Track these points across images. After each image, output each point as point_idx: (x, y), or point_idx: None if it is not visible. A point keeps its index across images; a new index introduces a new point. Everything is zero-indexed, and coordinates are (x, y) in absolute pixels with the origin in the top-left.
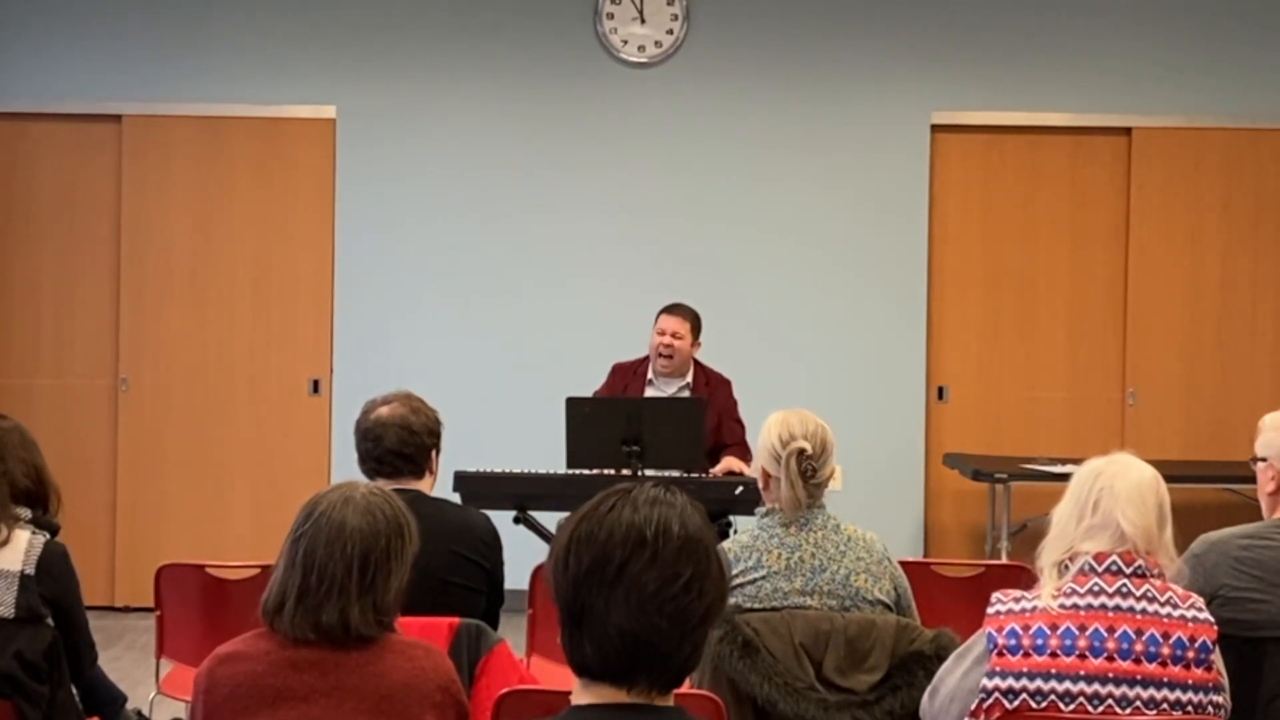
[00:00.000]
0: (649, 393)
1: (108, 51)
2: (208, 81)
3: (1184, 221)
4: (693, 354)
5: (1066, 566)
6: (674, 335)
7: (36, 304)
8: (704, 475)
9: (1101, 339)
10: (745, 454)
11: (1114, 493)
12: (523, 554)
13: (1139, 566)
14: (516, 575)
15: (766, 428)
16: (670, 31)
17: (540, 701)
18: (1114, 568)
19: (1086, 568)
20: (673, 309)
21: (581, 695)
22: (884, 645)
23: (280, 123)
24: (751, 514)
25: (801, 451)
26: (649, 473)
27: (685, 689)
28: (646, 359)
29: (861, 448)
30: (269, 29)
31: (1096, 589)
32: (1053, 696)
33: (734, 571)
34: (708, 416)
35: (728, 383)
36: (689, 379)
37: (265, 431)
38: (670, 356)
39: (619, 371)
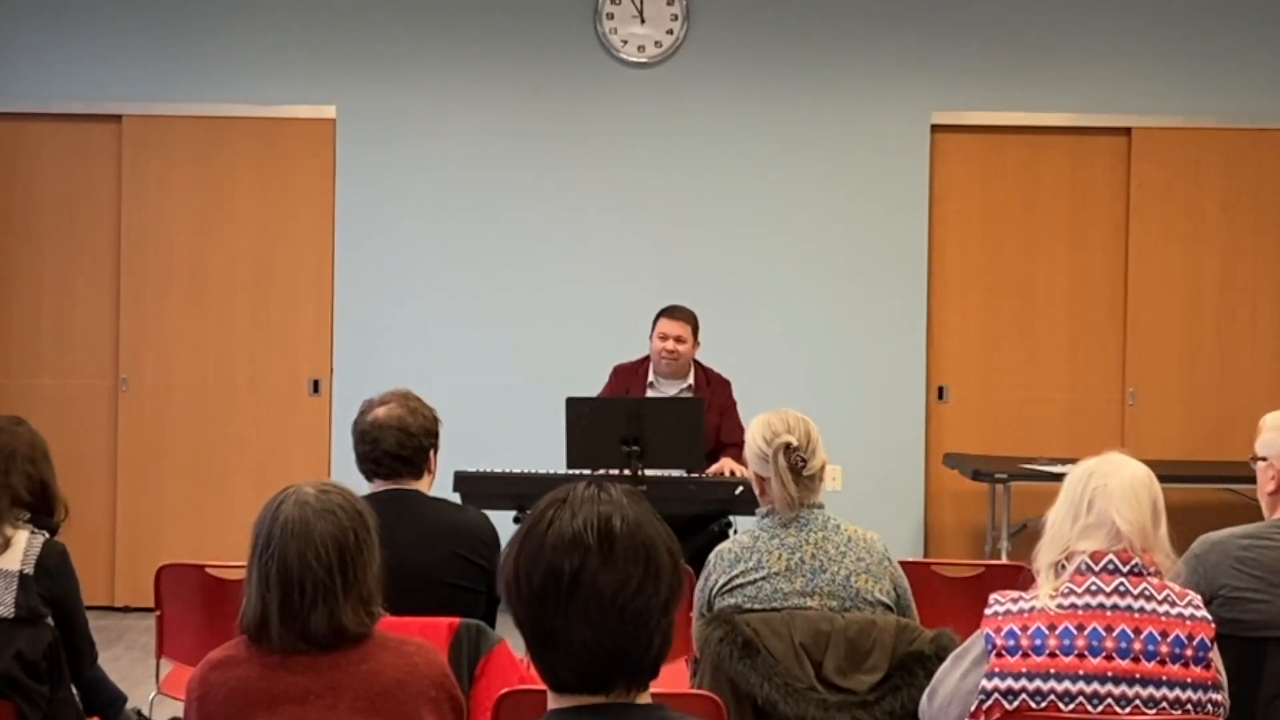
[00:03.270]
0: (650, 394)
1: (108, 51)
2: (208, 81)
3: (1184, 221)
4: (693, 355)
5: (1063, 566)
6: (677, 340)
7: (36, 304)
8: (703, 475)
9: (1101, 339)
10: (738, 454)
11: (1108, 491)
12: None
13: (1135, 565)
14: None
15: (750, 433)
16: (670, 31)
17: (540, 701)
18: (1110, 566)
19: (1083, 567)
20: (673, 312)
21: (558, 702)
22: (884, 645)
23: (280, 123)
24: (751, 514)
25: (788, 445)
26: (649, 473)
27: (685, 689)
28: (647, 360)
29: (861, 448)
30: (269, 29)
31: (1094, 588)
32: (1052, 696)
33: (735, 572)
34: (709, 416)
35: (727, 383)
36: (690, 380)
37: (265, 431)
38: (675, 360)
39: (620, 373)
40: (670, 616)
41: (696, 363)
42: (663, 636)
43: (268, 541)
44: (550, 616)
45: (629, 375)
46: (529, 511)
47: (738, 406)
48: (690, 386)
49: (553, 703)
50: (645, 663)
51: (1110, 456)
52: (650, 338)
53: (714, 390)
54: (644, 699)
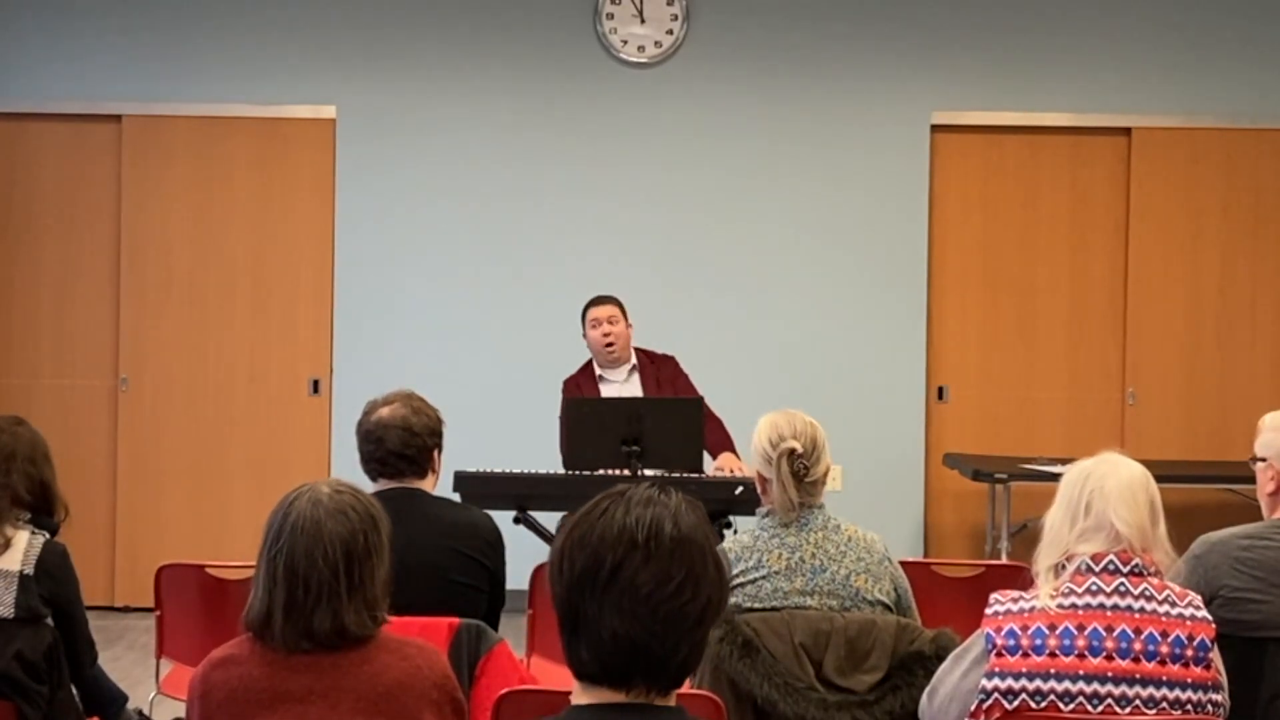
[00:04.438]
0: (603, 389)
1: (108, 51)
2: (208, 81)
3: (1184, 221)
4: (629, 336)
5: (1063, 567)
6: (610, 321)
7: (36, 304)
8: (703, 475)
9: (1101, 339)
10: (723, 431)
11: (1105, 493)
12: (523, 554)
13: (1136, 565)
14: (516, 575)
15: (757, 431)
16: (670, 31)
17: (540, 701)
18: (1111, 567)
19: (1084, 567)
20: (598, 301)
21: (581, 696)
22: (884, 645)
23: (280, 123)
24: (752, 514)
25: (792, 452)
26: (648, 473)
27: (685, 689)
28: (589, 363)
29: (861, 448)
30: (269, 29)
31: (1094, 588)
32: (1052, 696)
33: (735, 571)
34: (659, 390)
35: (671, 358)
36: (634, 361)
37: (265, 431)
38: (613, 344)
39: (570, 385)
40: (704, 628)
41: (636, 348)
42: (692, 646)
43: (277, 537)
44: (585, 601)
45: (580, 382)
46: (532, 513)
47: (690, 376)
48: (635, 366)
49: (576, 697)
50: (669, 665)
51: (1106, 457)
52: (585, 339)
53: (659, 367)
54: (666, 703)
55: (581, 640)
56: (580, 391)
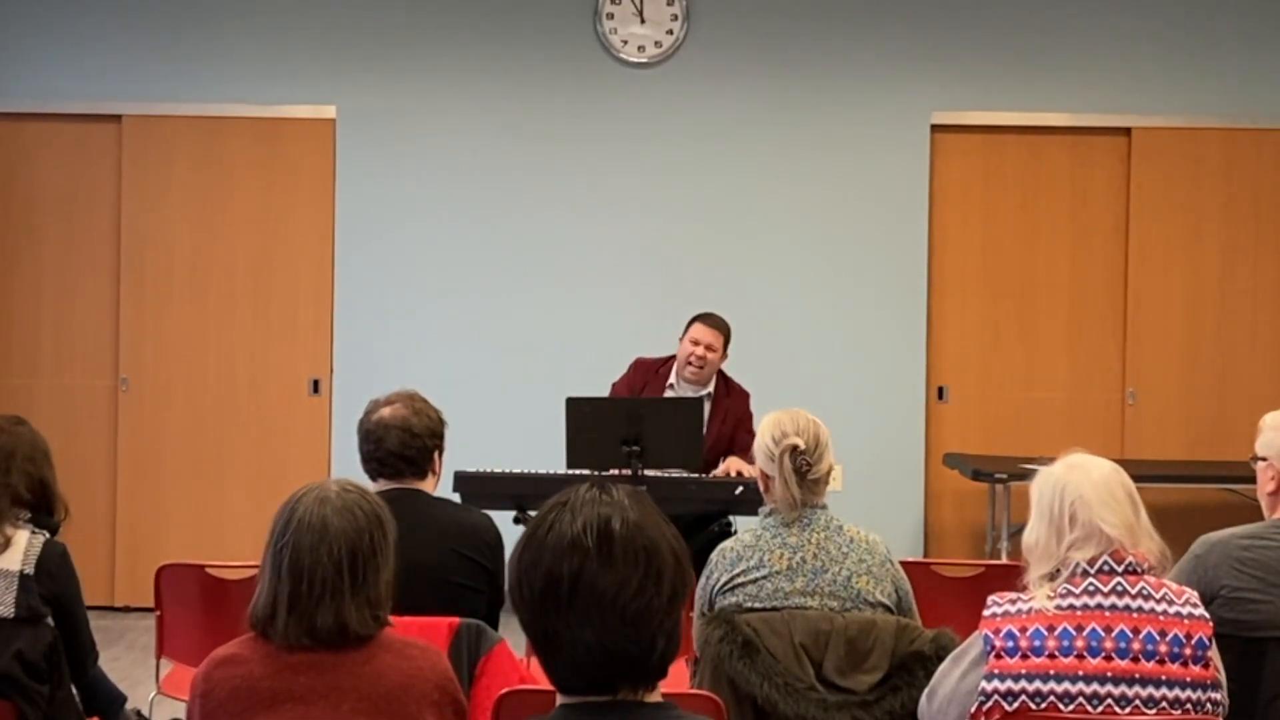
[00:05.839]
0: (668, 395)
1: (108, 51)
2: (208, 81)
3: (1184, 221)
4: (720, 365)
5: (1058, 572)
6: (708, 348)
7: (36, 304)
8: (704, 475)
9: (1101, 339)
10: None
11: (1086, 501)
12: None
13: (1130, 563)
14: None
15: (760, 430)
16: (670, 31)
17: (540, 701)
18: (1106, 567)
19: (1080, 570)
20: (708, 319)
21: (567, 699)
22: (884, 645)
23: (280, 123)
24: (752, 514)
25: (794, 448)
26: (649, 473)
27: (685, 689)
28: (670, 359)
29: (861, 448)
30: (269, 29)
31: (1091, 589)
32: (1052, 697)
33: (736, 570)
34: (723, 425)
35: (746, 395)
36: (710, 388)
37: (265, 431)
38: (701, 368)
39: (640, 368)
40: (675, 616)
41: (720, 372)
42: (668, 636)
43: (283, 531)
44: (553, 619)
45: (649, 372)
46: (532, 513)
47: (754, 419)
48: (709, 395)
49: (562, 700)
50: (650, 663)
51: (1072, 461)
52: (681, 339)
53: (733, 400)
54: (653, 698)
55: (559, 659)
56: (644, 381)
